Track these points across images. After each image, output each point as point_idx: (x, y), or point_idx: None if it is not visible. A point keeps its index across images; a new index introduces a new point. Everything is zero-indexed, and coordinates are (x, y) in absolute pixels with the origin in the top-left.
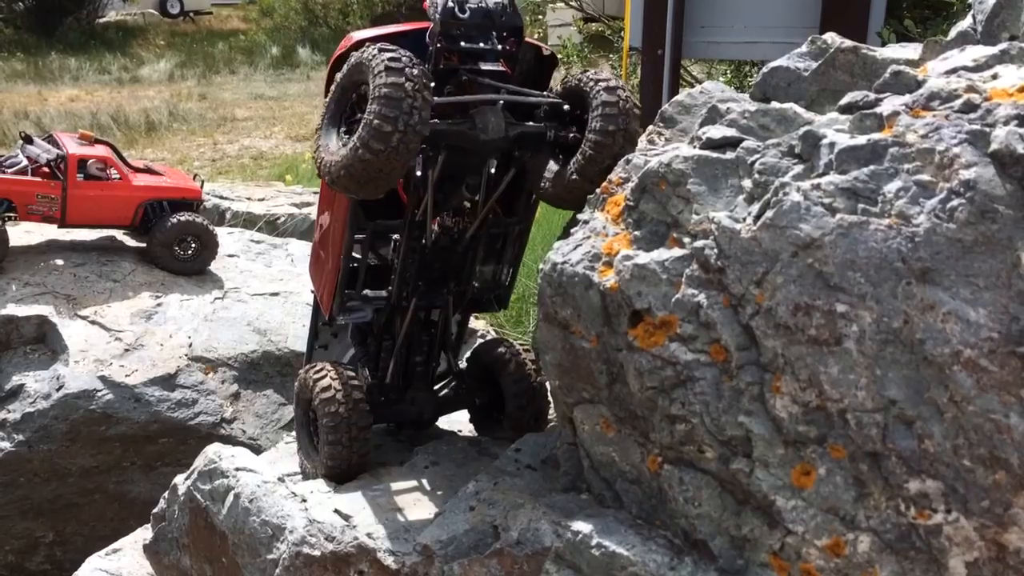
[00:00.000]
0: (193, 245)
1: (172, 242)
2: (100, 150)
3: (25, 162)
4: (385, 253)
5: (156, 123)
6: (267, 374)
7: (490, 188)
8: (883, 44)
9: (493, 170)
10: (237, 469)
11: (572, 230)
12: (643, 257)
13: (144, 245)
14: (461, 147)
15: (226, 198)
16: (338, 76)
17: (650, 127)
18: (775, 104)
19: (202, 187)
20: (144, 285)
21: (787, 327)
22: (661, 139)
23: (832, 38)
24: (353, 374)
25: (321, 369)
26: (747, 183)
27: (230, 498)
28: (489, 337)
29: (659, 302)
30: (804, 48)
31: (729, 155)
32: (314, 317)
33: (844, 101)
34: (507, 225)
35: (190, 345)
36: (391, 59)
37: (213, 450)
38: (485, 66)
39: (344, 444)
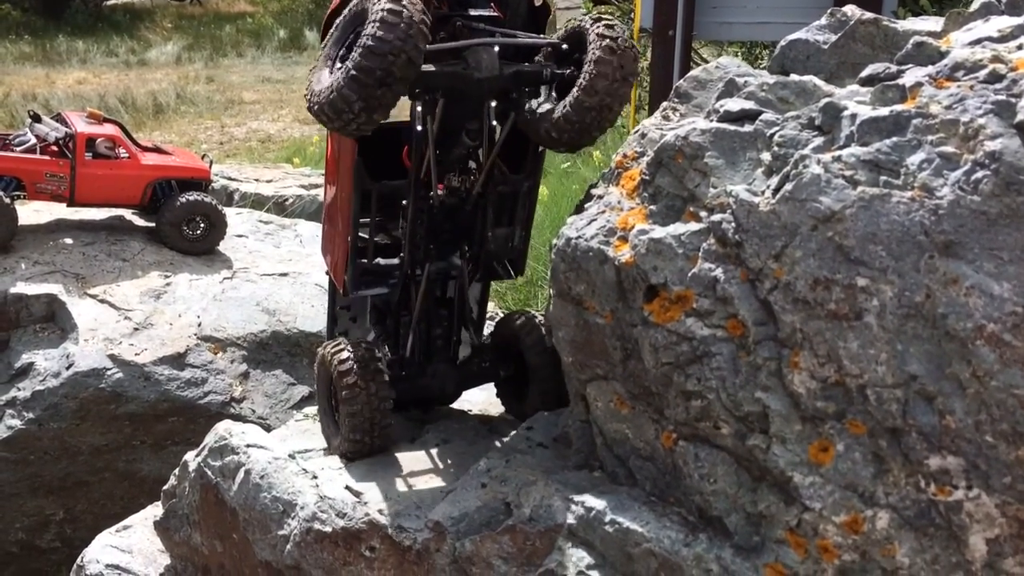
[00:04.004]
0: (202, 225)
1: (181, 222)
2: (108, 129)
3: (33, 140)
4: (395, 232)
5: (164, 106)
6: (276, 354)
7: (492, 140)
8: None
9: (493, 121)
10: (248, 446)
11: (586, 205)
12: (659, 231)
13: (153, 225)
14: (457, 89)
15: (234, 179)
16: (346, 10)
17: (664, 103)
18: (794, 76)
19: (211, 167)
20: (153, 264)
21: (806, 302)
22: (676, 115)
23: (852, 10)
24: (371, 348)
25: (339, 345)
26: (766, 156)
27: (241, 474)
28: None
29: (675, 277)
30: (823, 21)
31: (747, 128)
32: (331, 304)
33: (865, 73)
34: (515, 183)
35: (199, 325)
36: (390, 10)
37: (224, 427)
38: (475, 11)
39: (365, 421)
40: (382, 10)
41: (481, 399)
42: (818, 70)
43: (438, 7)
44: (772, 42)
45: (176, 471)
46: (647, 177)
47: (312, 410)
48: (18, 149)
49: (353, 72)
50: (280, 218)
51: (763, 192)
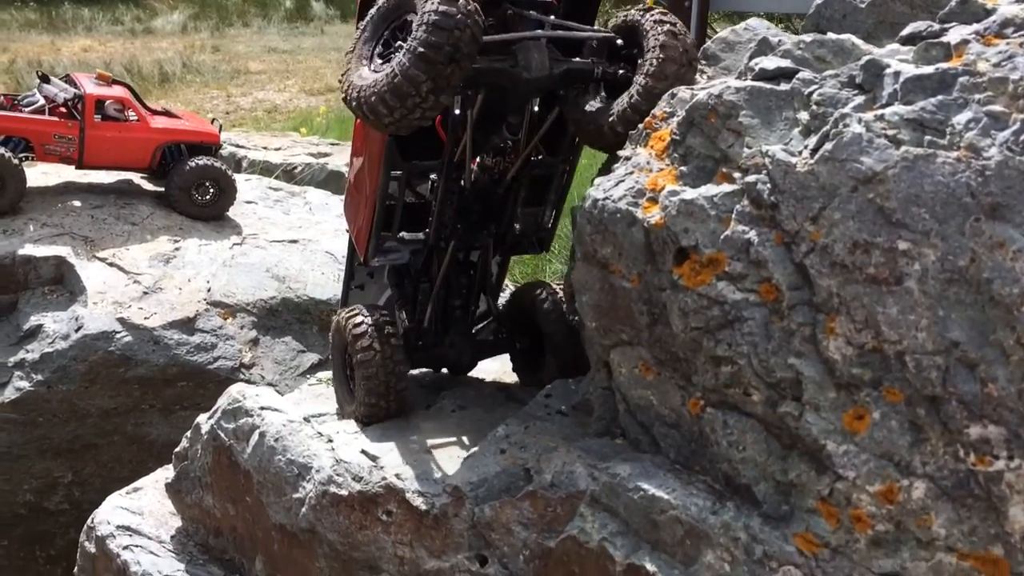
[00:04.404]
0: (211, 190)
1: (190, 186)
2: (118, 91)
3: (42, 101)
4: (423, 191)
5: (169, 74)
6: (286, 321)
7: (532, 127)
8: None
9: (536, 108)
10: (262, 408)
11: (613, 166)
12: (690, 192)
13: (162, 189)
14: (503, 86)
15: (242, 147)
16: (369, 15)
17: None
18: (831, 35)
19: (220, 131)
20: (162, 229)
21: (844, 265)
22: (703, 77)
23: None
24: (388, 316)
25: (355, 311)
26: (803, 115)
27: (255, 437)
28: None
29: (707, 239)
30: None
31: (784, 86)
32: (350, 257)
33: (906, 31)
34: (551, 166)
35: (209, 290)
36: None
37: (237, 389)
38: None
39: (380, 384)
40: (433, 12)
41: (495, 368)
42: (855, 29)
43: None
44: (788, 15)
45: (188, 433)
46: (677, 137)
47: (325, 375)
48: (26, 110)
49: (420, 50)
50: (290, 185)
51: (800, 152)
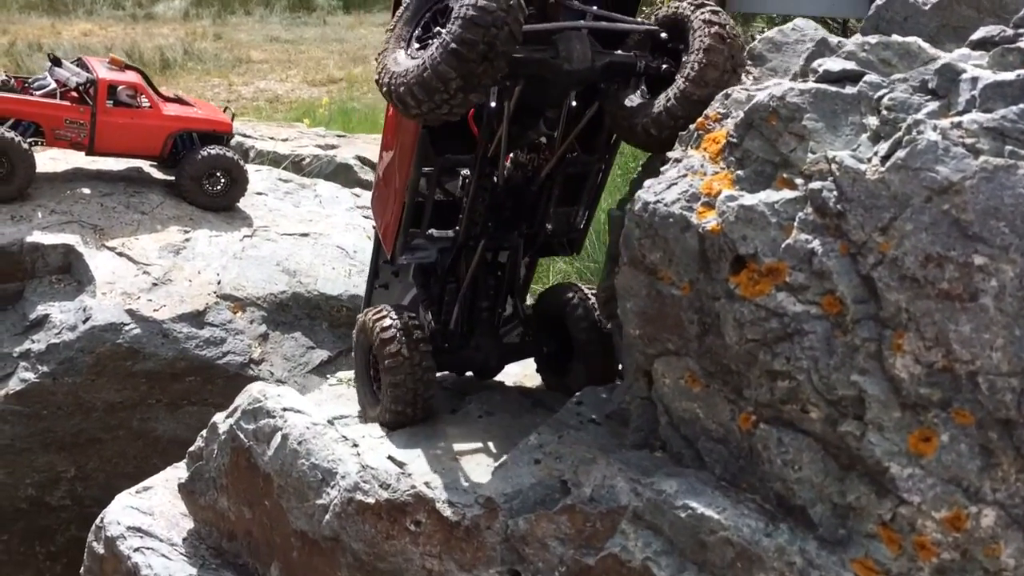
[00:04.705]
0: (223, 180)
1: (202, 176)
2: (131, 76)
3: (53, 85)
4: (452, 188)
5: (171, 61)
6: (296, 316)
7: (570, 123)
8: None
9: (573, 103)
10: (284, 409)
11: (662, 168)
12: (749, 198)
13: (171, 178)
14: (542, 77)
15: (249, 136)
16: (405, 1)
17: None
18: (896, 37)
19: (232, 120)
20: (172, 219)
21: (915, 279)
22: (749, 78)
23: None
24: (415, 318)
25: (382, 312)
26: (872, 120)
27: (277, 439)
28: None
29: (767, 247)
30: None
31: (849, 90)
32: (375, 255)
33: (977, 36)
34: (586, 164)
35: (219, 283)
36: None
37: (258, 388)
38: None
39: (408, 392)
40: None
41: (515, 371)
42: (917, 31)
43: None
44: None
45: (204, 432)
46: (734, 140)
47: (345, 375)
48: (37, 94)
49: (453, 45)
50: (300, 177)
51: (870, 159)
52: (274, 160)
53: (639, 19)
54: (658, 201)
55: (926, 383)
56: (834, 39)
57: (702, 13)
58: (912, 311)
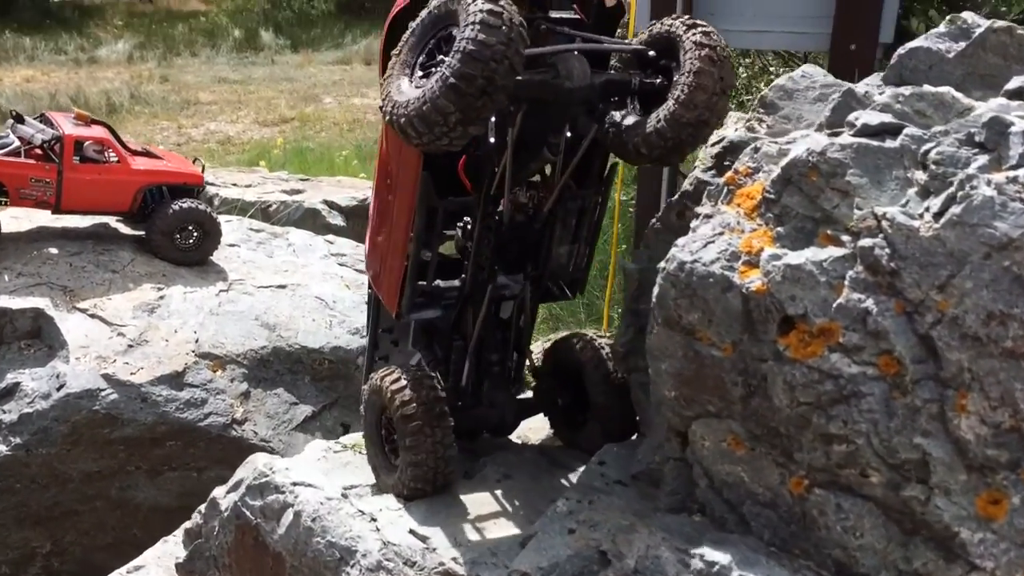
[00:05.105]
0: (195, 234)
1: (173, 230)
2: (97, 131)
3: (17, 143)
4: (455, 237)
5: (117, 105)
6: (278, 372)
7: (567, 153)
8: (913, 36)
9: (568, 133)
10: (294, 484)
11: (693, 225)
12: (795, 256)
13: (142, 233)
14: (544, 100)
15: (212, 184)
16: (419, 18)
17: (749, 113)
18: (928, 88)
19: (203, 171)
20: (145, 276)
21: (977, 338)
22: (763, 126)
23: (973, 17)
24: (434, 386)
25: (396, 375)
26: (919, 175)
27: (288, 516)
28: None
29: (817, 307)
30: (942, 28)
31: (890, 143)
32: (372, 325)
33: (1013, 85)
34: (584, 197)
35: (197, 341)
36: (490, 11)
37: (263, 461)
38: (559, 13)
39: (430, 468)
40: (480, 11)
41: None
42: (942, 80)
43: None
44: (768, 51)
45: (202, 508)
46: (772, 196)
47: (350, 439)
48: (0, 152)
49: (452, 80)
50: (271, 226)
51: (921, 215)
52: (242, 208)
53: (628, 40)
54: (695, 260)
55: (993, 444)
56: (860, 89)
57: (694, 34)
58: (975, 370)
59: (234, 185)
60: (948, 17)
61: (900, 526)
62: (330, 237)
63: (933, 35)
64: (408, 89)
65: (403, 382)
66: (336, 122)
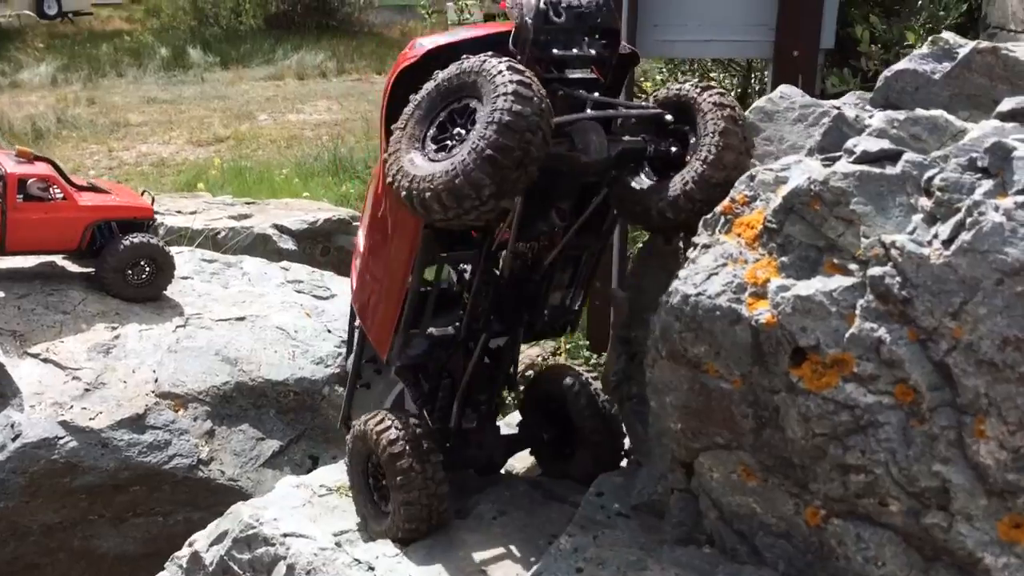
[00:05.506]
0: (147, 269)
1: (125, 266)
2: (41, 168)
3: None
4: (450, 280)
5: (43, 130)
6: (242, 407)
7: (573, 211)
8: (858, 43)
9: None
10: (285, 535)
11: (691, 255)
12: (804, 287)
13: (91, 270)
14: (558, 170)
15: (156, 212)
16: (424, 91)
17: None
18: (921, 111)
19: (152, 203)
20: (97, 315)
21: (992, 363)
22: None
23: (955, 38)
24: (421, 424)
25: (382, 419)
26: (923, 202)
27: (281, 569)
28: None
29: (829, 338)
30: (924, 49)
31: (890, 170)
32: (357, 360)
33: (1006, 107)
34: (585, 248)
35: (156, 380)
36: (521, 82)
37: (248, 513)
38: (576, 74)
39: (423, 506)
40: (512, 82)
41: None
42: (928, 102)
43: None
44: (711, 59)
45: (183, 563)
46: (773, 225)
47: (332, 480)
48: None
49: (489, 152)
50: (224, 256)
51: (930, 242)
52: (190, 238)
53: (643, 104)
54: (700, 293)
55: (1013, 468)
56: (851, 113)
57: (711, 96)
58: (992, 396)
59: (179, 212)
60: (931, 38)
61: (920, 553)
62: (285, 264)
63: (917, 56)
64: (425, 164)
65: (388, 422)
66: (273, 139)
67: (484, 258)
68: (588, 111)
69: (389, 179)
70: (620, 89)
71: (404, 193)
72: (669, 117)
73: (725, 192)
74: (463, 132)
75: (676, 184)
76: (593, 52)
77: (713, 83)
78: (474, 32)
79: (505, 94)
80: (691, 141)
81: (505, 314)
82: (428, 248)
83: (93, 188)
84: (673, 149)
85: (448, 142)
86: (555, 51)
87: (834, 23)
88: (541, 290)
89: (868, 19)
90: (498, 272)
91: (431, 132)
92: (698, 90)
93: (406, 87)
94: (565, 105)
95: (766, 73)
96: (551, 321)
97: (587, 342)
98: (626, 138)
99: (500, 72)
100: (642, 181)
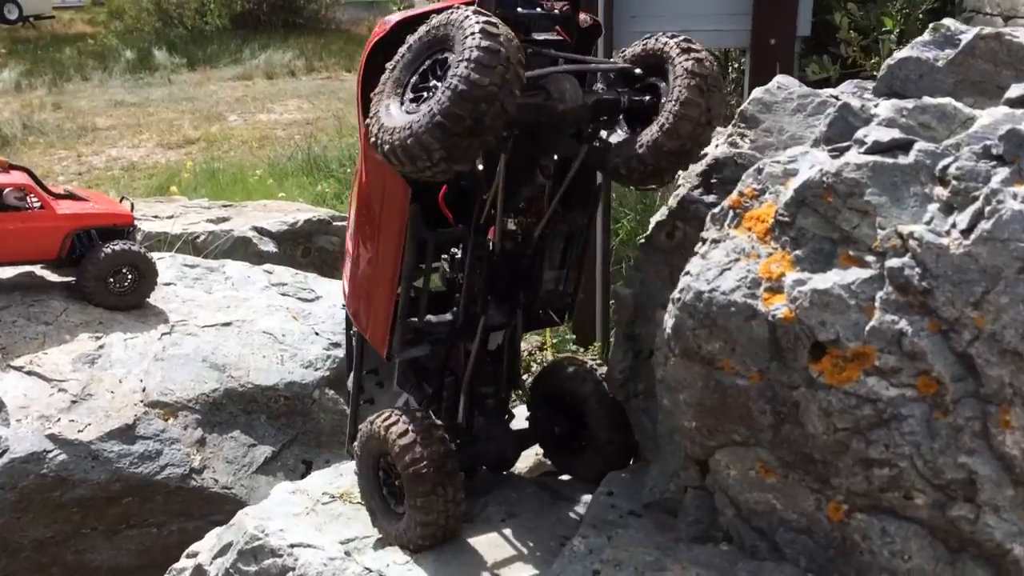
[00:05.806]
0: (130, 276)
1: (107, 274)
2: (17, 177)
3: None
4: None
5: (9, 137)
6: (232, 414)
7: (556, 176)
8: (837, 29)
9: (555, 156)
10: (292, 546)
11: (698, 249)
12: (821, 280)
13: (71, 279)
14: (535, 122)
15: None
16: (416, 35)
17: (729, 128)
18: (928, 99)
19: (132, 210)
20: (80, 325)
21: (1016, 352)
22: (745, 140)
23: (956, 25)
24: (440, 429)
25: (393, 418)
26: (939, 191)
27: None
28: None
29: (849, 332)
30: (926, 37)
31: (903, 160)
32: (357, 368)
33: (1014, 93)
34: (571, 221)
35: (144, 390)
36: (488, 23)
37: (252, 523)
38: (544, 35)
39: (440, 527)
40: (476, 48)
41: None
42: (933, 90)
43: None
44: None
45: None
46: (785, 218)
47: (334, 486)
48: None
49: (438, 118)
50: (205, 260)
51: (948, 232)
52: (169, 243)
53: (612, 60)
54: (713, 290)
55: None
56: (856, 103)
57: (686, 60)
58: (1017, 385)
59: (155, 217)
60: (932, 25)
61: (946, 545)
62: (268, 267)
63: (919, 44)
64: (397, 114)
65: (411, 435)
66: (244, 140)
67: (474, 231)
68: (564, 66)
69: (368, 121)
70: (589, 53)
71: (374, 140)
72: (639, 71)
73: (678, 160)
74: (437, 87)
75: (634, 146)
76: (557, 12)
77: (696, 44)
78: (440, 5)
79: (467, 60)
80: (660, 103)
81: (500, 294)
82: (415, 227)
83: (71, 196)
84: (647, 98)
85: (424, 94)
86: (520, 10)
87: (810, 11)
88: (535, 266)
89: (846, 6)
90: (489, 247)
91: (414, 79)
92: (678, 50)
93: (379, 66)
94: (535, 64)
95: (743, 61)
96: (547, 304)
97: (573, 336)
98: (599, 87)
99: (471, 34)
100: (618, 135)
